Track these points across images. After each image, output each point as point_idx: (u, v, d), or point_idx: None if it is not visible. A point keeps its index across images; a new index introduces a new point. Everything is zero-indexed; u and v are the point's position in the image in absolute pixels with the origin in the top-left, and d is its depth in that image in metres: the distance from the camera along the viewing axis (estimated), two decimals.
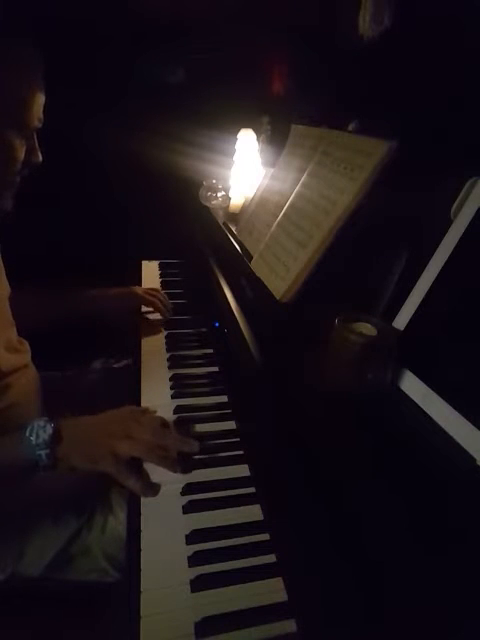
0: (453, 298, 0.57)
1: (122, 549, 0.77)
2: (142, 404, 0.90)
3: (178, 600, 0.57)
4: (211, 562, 0.61)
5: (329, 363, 0.61)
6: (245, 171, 1.24)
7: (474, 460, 0.47)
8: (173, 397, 0.92)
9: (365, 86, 0.94)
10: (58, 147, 0.96)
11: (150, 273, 1.50)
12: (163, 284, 1.44)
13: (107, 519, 0.81)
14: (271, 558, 0.62)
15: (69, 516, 0.81)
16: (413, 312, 0.59)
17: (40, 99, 0.79)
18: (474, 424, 0.48)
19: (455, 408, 0.51)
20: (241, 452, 0.79)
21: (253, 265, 0.91)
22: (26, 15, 0.77)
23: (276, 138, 1.19)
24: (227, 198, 1.27)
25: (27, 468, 0.69)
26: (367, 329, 0.58)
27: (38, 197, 1.17)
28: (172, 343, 1.11)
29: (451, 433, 0.50)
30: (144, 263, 1.54)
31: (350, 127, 0.90)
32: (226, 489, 0.72)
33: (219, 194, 1.28)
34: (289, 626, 0.54)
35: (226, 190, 1.29)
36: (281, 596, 0.57)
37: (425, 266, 0.60)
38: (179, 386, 0.95)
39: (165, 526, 0.66)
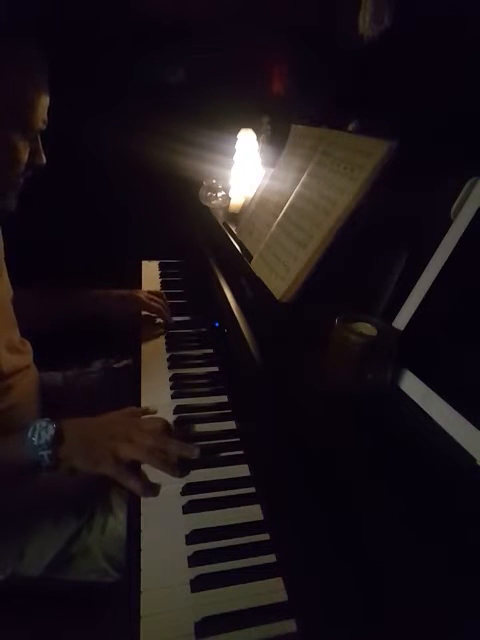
0: (453, 298, 0.57)
1: (122, 549, 0.77)
2: (142, 404, 0.90)
3: (178, 600, 0.57)
4: (211, 562, 0.61)
5: (329, 363, 0.61)
6: (245, 171, 1.24)
7: (474, 460, 0.47)
8: (173, 397, 0.92)
9: (365, 86, 0.94)
10: (58, 147, 0.96)
11: (150, 273, 1.50)
12: (163, 284, 1.44)
13: (107, 519, 0.81)
14: (271, 558, 0.62)
15: (69, 516, 0.81)
16: (413, 312, 0.59)
17: (45, 101, 0.78)
18: (474, 424, 0.48)
19: (455, 408, 0.51)
20: (241, 452, 0.79)
21: (253, 265, 0.91)
22: (30, 16, 0.77)
23: (276, 138, 1.19)
24: (227, 198, 1.27)
25: (28, 469, 0.69)
26: (367, 329, 0.58)
27: (38, 197, 1.17)
28: (172, 343, 1.11)
29: (451, 433, 0.50)
30: (144, 263, 1.54)
31: (350, 127, 0.90)
32: (226, 489, 0.72)
33: (219, 194, 1.28)
34: (289, 626, 0.54)
35: (226, 190, 1.29)
36: (281, 596, 0.58)
37: (425, 266, 0.60)
38: (179, 386, 0.95)
39: (165, 526, 0.66)
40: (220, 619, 0.55)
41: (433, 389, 0.54)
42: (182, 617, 0.55)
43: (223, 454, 0.78)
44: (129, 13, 1.49)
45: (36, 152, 0.82)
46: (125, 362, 1.24)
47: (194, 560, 0.62)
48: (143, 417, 0.81)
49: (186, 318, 1.23)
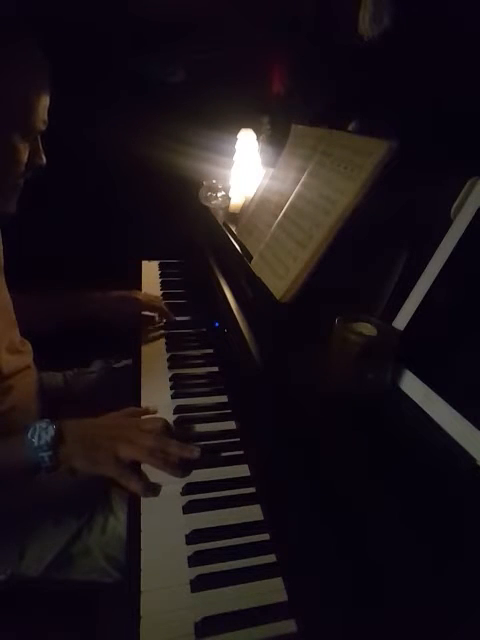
0: (453, 298, 0.57)
1: (122, 549, 0.77)
2: (142, 404, 0.90)
3: (178, 600, 0.57)
4: (211, 562, 0.61)
5: (329, 363, 0.61)
6: (245, 171, 1.24)
7: (474, 460, 0.47)
8: (173, 397, 0.92)
9: (365, 86, 0.94)
10: (58, 147, 0.96)
11: (150, 273, 1.50)
12: (163, 284, 1.44)
13: (107, 519, 0.81)
14: (271, 558, 0.62)
15: (69, 517, 0.81)
16: (413, 312, 0.59)
17: (45, 101, 0.78)
18: (474, 424, 0.48)
19: (455, 408, 0.51)
20: (241, 452, 0.79)
21: (253, 265, 0.91)
22: (30, 16, 0.77)
23: (276, 138, 1.19)
24: (227, 198, 1.27)
25: (29, 470, 0.69)
26: (367, 329, 0.58)
27: (38, 197, 1.17)
28: (172, 343, 1.11)
29: (451, 433, 0.50)
30: (144, 263, 1.54)
31: (350, 127, 0.90)
32: (226, 489, 0.72)
33: (219, 194, 1.28)
34: (289, 626, 0.54)
35: (226, 190, 1.28)
36: (281, 596, 0.58)
37: (425, 266, 0.60)
38: (179, 386, 0.95)
39: (165, 526, 0.66)
40: (220, 619, 0.55)
41: (433, 389, 0.54)
42: (182, 617, 0.55)
43: (223, 454, 0.78)
44: (129, 13, 1.49)
45: (36, 152, 0.81)
46: (125, 362, 1.24)
47: (194, 560, 0.61)
48: (143, 417, 0.81)
49: (186, 318, 1.23)
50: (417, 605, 0.40)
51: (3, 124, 0.74)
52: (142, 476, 0.71)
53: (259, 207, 1.07)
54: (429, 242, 0.60)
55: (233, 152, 1.26)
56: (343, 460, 0.52)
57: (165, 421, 0.77)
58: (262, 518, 0.67)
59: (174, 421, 0.86)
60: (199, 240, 1.36)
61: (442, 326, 0.56)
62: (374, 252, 0.68)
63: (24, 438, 0.69)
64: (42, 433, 0.69)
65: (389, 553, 0.43)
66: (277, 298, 0.77)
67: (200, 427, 0.84)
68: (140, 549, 0.63)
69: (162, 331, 1.16)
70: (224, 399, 0.92)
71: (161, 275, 1.50)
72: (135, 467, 0.71)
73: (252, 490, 0.72)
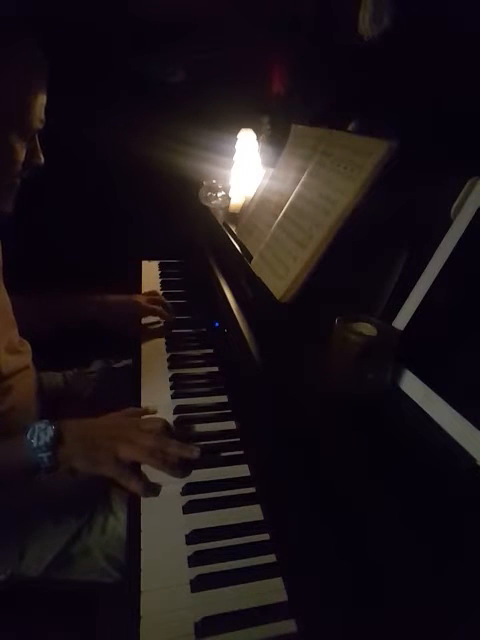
0: (453, 298, 0.57)
1: (122, 549, 0.77)
2: (142, 404, 0.90)
3: (178, 600, 0.57)
4: (211, 562, 0.61)
5: (329, 363, 0.61)
6: (245, 171, 1.24)
7: (474, 460, 0.47)
8: (173, 397, 0.92)
9: (365, 86, 0.94)
10: (58, 147, 0.96)
11: (150, 273, 1.50)
12: (163, 284, 1.44)
13: (107, 519, 0.81)
14: (271, 558, 0.62)
15: (69, 517, 0.81)
16: (413, 312, 0.59)
17: (42, 100, 0.78)
18: (474, 424, 0.48)
19: (455, 408, 0.51)
20: (241, 452, 0.79)
21: (253, 265, 0.91)
22: (28, 15, 0.77)
23: (276, 138, 1.19)
24: (227, 198, 1.27)
25: (28, 470, 0.69)
26: (367, 329, 0.58)
27: (38, 197, 1.17)
28: (172, 343, 1.11)
29: (451, 433, 0.50)
30: (144, 263, 1.54)
31: (350, 127, 0.90)
32: (226, 489, 0.72)
33: (219, 194, 1.28)
34: (289, 626, 0.54)
35: (226, 190, 1.28)
36: (281, 596, 0.58)
37: (425, 266, 0.60)
38: (179, 386, 0.95)
39: (165, 526, 0.66)
40: (220, 619, 0.55)
41: (433, 389, 0.54)
42: (182, 617, 0.55)
43: (223, 454, 0.78)
44: (129, 13, 1.49)
45: (34, 152, 0.81)
46: (125, 362, 1.24)
47: (194, 560, 0.61)
48: (143, 417, 0.81)
49: (186, 318, 1.23)
50: (417, 605, 0.40)
51: (0, 123, 0.74)
52: (142, 476, 0.71)
53: (259, 207, 1.07)
54: (429, 242, 0.60)
55: (233, 152, 1.26)
56: (343, 460, 0.52)
57: (165, 421, 0.77)
58: (262, 518, 0.67)
59: (174, 421, 0.86)
60: (199, 240, 1.36)
61: (442, 326, 0.56)
62: (374, 252, 0.68)
63: (23, 439, 0.68)
64: (41, 433, 0.69)
65: (389, 553, 0.43)
66: (277, 298, 0.77)
67: (200, 427, 0.84)
68: (140, 549, 0.63)
69: (162, 331, 1.16)
70: (224, 399, 0.92)
71: (161, 275, 1.50)
72: (135, 467, 0.71)
73: (252, 490, 0.72)
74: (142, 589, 0.58)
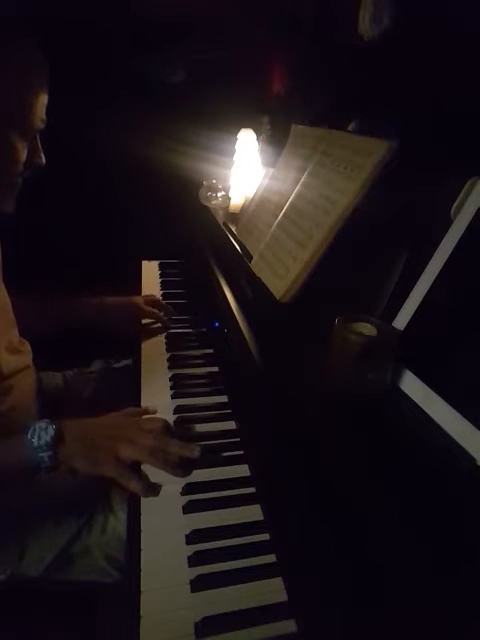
0: (453, 298, 0.57)
1: (122, 549, 0.77)
2: (142, 404, 0.90)
3: (178, 600, 0.57)
4: (211, 562, 0.61)
5: (329, 363, 0.61)
6: (245, 171, 1.24)
7: (474, 460, 0.47)
8: (173, 397, 0.92)
9: (365, 86, 0.94)
10: (58, 147, 0.96)
11: (150, 273, 1.50)
12: (163, 284, 1.44)
13: (107, 519, 0.81)
14: (271, 558, 0.62)
15: (69, 517, 0.81)
16: (413, 312, 0.59)
17: (43, 100, 0.78)
18: (474, 424, 0.48)
19: (455, 408, 0.51)
20: (241, 452, 0.79)
21: (253, 265, 0.91)
22: (28, 15, 0.77)
23: (276, 138, 1.19)
24: (227, 198, 1.27)
25: (29, 470, 0.69)
26: (367, 329, 0.58)
27: (38, 197, 1.17)
28: (172, 343, 1.11)
29: (451, 433, 0.50)
30: (144, 263, 1.54)
31: (350, 127, 0.90)
32: (226, 489, 0.72)
33: (219, 194, 1.28)
34: (289, 626, 0.54)
35: (226, 190, 1.28)
36: (281, 596, 0.58)
37: (425, 266, 0.60)
38: (179, 386, 0.95)
39: (165, 526, 0.66)
40: (220, 619, 0.55)
41: (433, 389, 0.54)
42: (182, 617, 0.55)
43: (223, 454, 0.78)
44: (130, 13, 1.49)
45: (35, 152, 0.81)
46: (125, 362, 1.24)
47: (194, 560, 0.61)
48: (143, 417, 0.81)
49: (186, 318, 1.23)
50: (417, 605, 0.40)
51: (1, 123, 0.74)
52: (142, 476, 0.71)
53: (259, 207, 1.07)
54: (429, 242, 0.60)
55: (233, 152, 1.27)
56: (343, 460, 0.52)
57: (165, 421, 0.77)
58: (262, 518, 0.67)
59: (174, 421, 0.86)
60: (199, 240, 1.36)
61: (442, 326, 0.56)
62: (374, 252, 0.68)
63: (24, 438, 0.69)
64: (42, 433, 0.69)
65: (389, 553, 0.43)
66: (277, 298, 0.77)
67: (200, 427, 0.84)
68: (140, 549, 0.63)
69: (162, 331, 1.16)
70: (224, 399, 0.92)
71: (161, 275, 1.50)
72: (135, 467, 0.71)
73: (252, 490, 0.72)
74: (142, 589, 0.58)
